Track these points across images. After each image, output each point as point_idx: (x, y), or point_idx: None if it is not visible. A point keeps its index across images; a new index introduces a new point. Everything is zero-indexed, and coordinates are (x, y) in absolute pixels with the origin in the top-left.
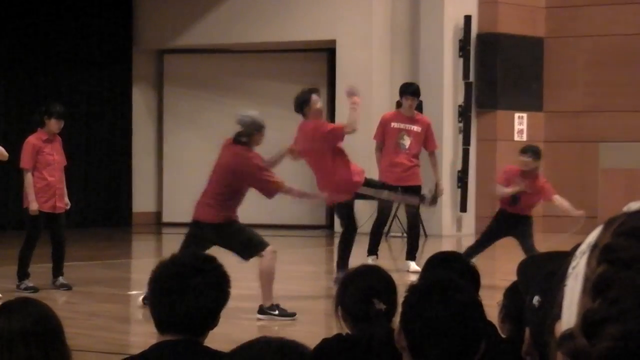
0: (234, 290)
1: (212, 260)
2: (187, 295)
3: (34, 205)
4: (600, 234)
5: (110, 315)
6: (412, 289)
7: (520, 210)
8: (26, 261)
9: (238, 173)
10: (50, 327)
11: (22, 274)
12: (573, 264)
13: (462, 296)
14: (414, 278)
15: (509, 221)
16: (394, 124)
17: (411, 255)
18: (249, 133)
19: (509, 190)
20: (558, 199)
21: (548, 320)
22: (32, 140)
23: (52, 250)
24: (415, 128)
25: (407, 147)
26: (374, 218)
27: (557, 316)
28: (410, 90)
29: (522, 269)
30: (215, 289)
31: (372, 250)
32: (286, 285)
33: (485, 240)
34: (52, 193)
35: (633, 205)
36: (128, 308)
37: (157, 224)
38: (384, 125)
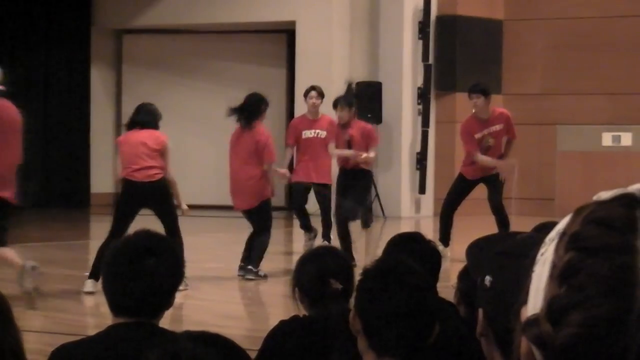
0: (192, 272)
1: (166, 241)
2: (141, 277)
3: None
4: (569, 222)
5: (67, 297)
6: (367, 273)
7: None
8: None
9: None
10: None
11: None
12: (542, 250)
13: (416, 280)
14: None
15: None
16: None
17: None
18: None
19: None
20: None
21: (507, 302)
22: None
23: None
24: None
25: None
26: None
27: (524, 302)
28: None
29: (471, 251)
30: (168, 270)
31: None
32: None
33: None
34: None
35: (603, 195)
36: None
37: None
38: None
